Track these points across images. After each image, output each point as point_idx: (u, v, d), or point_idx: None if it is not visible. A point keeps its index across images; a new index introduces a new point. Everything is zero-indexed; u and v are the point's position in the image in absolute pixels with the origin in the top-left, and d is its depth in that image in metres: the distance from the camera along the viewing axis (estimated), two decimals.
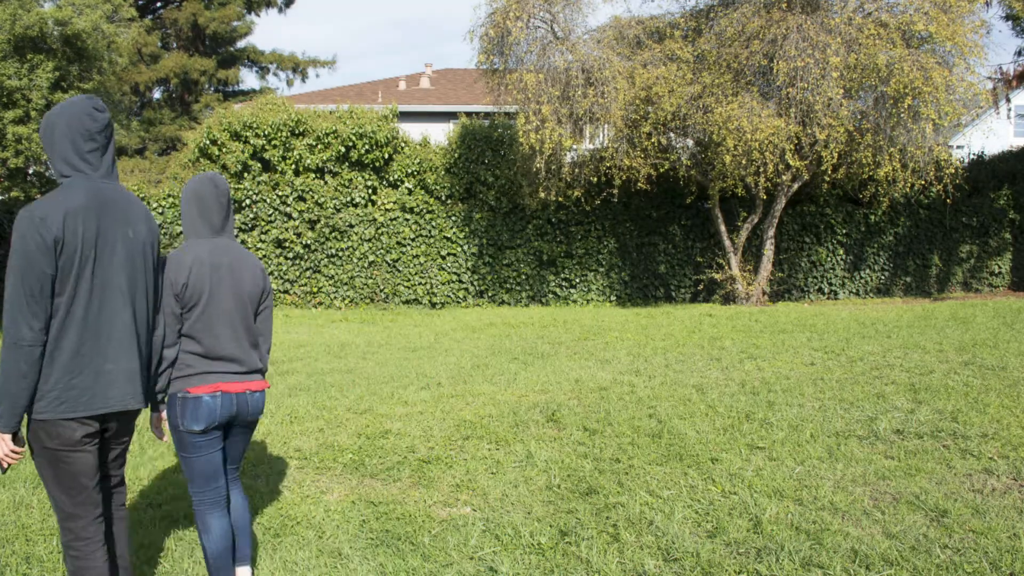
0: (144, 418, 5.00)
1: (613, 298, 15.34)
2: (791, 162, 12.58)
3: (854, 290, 15.75)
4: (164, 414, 2.78)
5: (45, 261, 2.31)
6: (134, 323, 2.50)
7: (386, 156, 14.82)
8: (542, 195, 13.67)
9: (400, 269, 15.04)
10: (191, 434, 2.73)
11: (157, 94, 33.24)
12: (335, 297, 15.00)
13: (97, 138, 2.49)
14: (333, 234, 14.87)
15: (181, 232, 14.66)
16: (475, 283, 15.16)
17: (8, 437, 2.33)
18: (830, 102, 12.09)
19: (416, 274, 15.07)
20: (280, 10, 33.65)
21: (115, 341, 2.45)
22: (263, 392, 2.92)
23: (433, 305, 15.08)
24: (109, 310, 2.45)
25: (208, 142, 14.69)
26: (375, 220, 14.90)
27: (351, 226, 14.88)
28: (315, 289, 14.96)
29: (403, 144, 15.09)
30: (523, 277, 15.14)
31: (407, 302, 15.11)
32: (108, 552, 2.58)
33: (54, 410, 2.34)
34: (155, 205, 14.71)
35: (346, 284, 14.99)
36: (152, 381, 2.66)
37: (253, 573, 3.03)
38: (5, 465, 2.38)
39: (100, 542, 2.50)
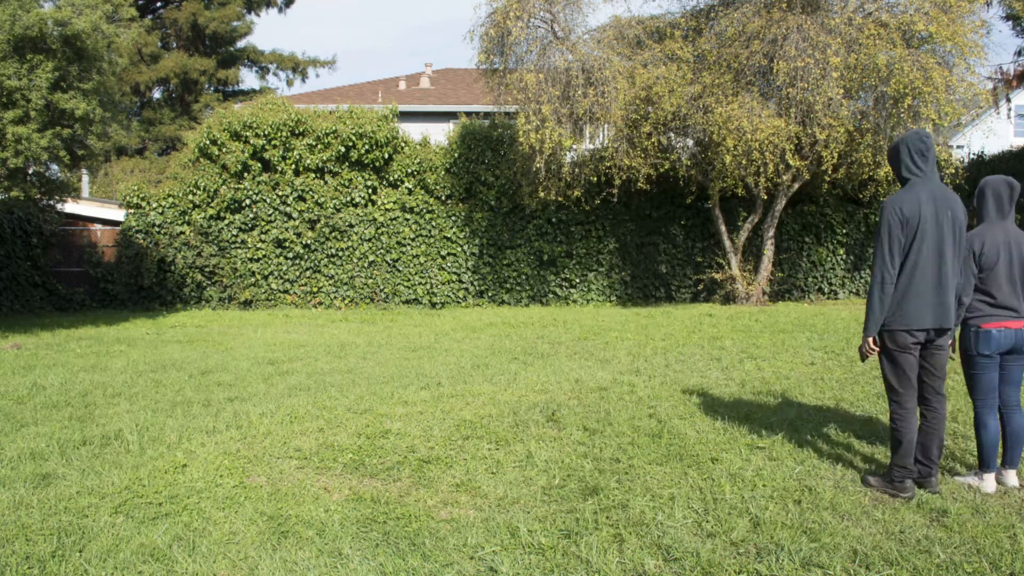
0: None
1: (613, 298, 15.34)
2: (791, 162, 12.57)
3: (854, 290, 15.74)
4: (954, 340, 3.93)
5: (898, 232, 3.71)
6: (945, 274, 3.72)
7: (386, 156, 14.82)
8: (542, 195, 13.67)
9: (400, 269, 15.04)
10: (980, 357, 3.89)
11: (157, 94, 33.25)
12: (335, 297, 15.00)
13: (928, 155, 3.80)
14: (333, 234, 14.87)
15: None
16: (475, 283, 15.16)
17: (872, 340, 3.79)
18: (830, 102, 12.09)
19: (416, 274, 15.07)
20: (280, 10, 33.67)
21: (930, 284, 3.70)
22: None
23: (433, 305, 15.08)
24: (931, 264, 3.70)
25: (208, 142, 14.69)
26: (375, 220, 14.90)
27: (351, 226, 14.88)
28: (315, 289, 14.96)
29: (403, 144, 15.09)
30: (523, 277, 15.14)
31: (407, 302, 15.11)
32: (919, 427, 3.86)
33: (894, 323, 3.74)
34: (155, 205, 14.71)
35: (346, 284, 14.99)
36: (955, 315, 3.84)
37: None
38: (867, 356, 3.87)
39: (914, 414, 3.82)
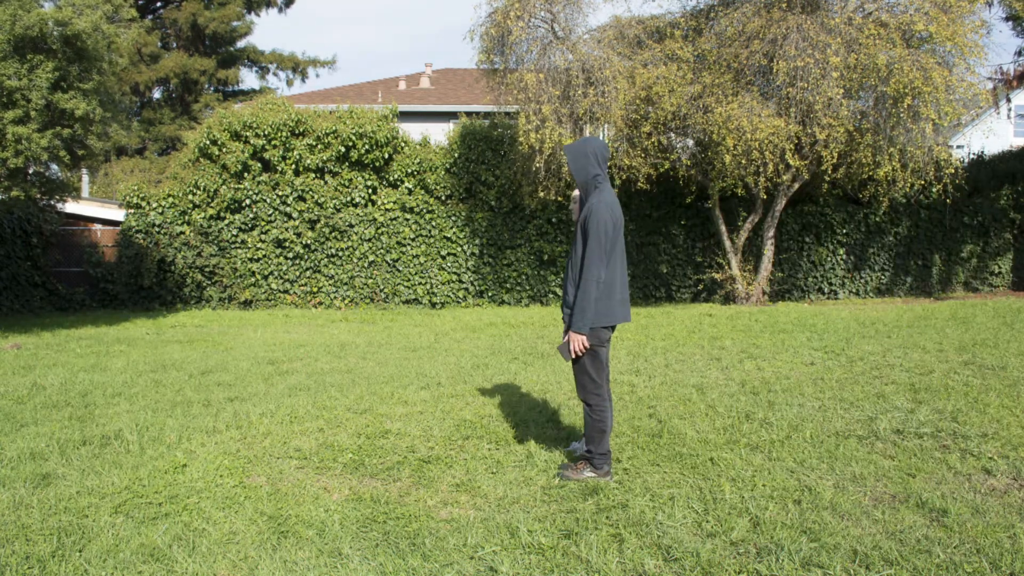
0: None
1: None
2: (791, 162, 12.57)
3: (854, 290, 15.75)
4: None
5: (611, 231, 3.88)
6: (624, 271, 4.05)
7: (386, 156, 14.82)
8: (542, 195, 13.67)
9: (400, 269, 15.04)
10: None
11: (157, 94, 33.23)
12: (335, 297, 15.00)
13: (607, 161, 4.04)
14: (333, 234, 14.87)
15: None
16: (475, 283, 15.16)
17: (584, 337, 3.91)
18: (830, 102, 12.09)
19: (416, 274, 15.07)
20: (280, 10, 33.65)
21: (619, 281, 3.99)
22: None
23: (433, 305, 15.08)
24: (620, 262, 3.97)
25: (208, 142, 14.69)
26: (375, 220, 14.90)
27: (351, 226, 14.88)
28: (315, 289, 14.96)
29: (403, 144, 15.09)
30: (523, 277, 15.15)
31: (407, 302, 15.11)
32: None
33: (598, 319, 3.91)
34: (155, 205, 14.71)
35: (346, 284, 14.99)
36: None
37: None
38: (580, 354, 3.95)
39: (610, 403, 4.13)
